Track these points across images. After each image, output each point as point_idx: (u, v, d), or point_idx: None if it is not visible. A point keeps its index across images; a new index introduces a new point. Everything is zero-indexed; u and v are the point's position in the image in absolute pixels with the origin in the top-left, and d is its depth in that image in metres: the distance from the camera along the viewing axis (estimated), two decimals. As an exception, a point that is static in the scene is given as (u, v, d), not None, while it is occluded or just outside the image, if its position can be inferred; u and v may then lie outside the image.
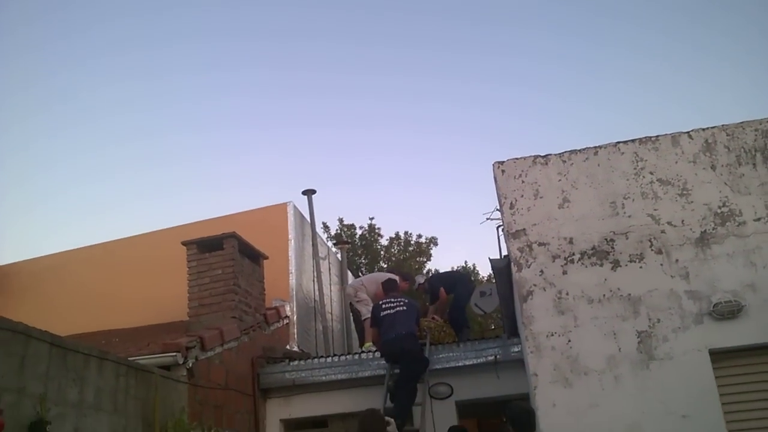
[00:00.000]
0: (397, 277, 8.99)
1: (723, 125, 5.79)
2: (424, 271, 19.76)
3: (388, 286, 8.21)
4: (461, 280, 10.09)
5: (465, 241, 35.81)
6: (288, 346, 9.08)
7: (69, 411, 4.67)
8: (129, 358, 5.73)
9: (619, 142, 5.93)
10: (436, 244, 20.78)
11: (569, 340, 5.41)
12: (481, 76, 34.56)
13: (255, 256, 8.55)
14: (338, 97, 35.83)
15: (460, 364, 7.63)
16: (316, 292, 10.53)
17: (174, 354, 6.22)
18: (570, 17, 32.60)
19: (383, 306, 7.66)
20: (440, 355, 7.74)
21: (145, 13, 30.49)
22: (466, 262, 21.58)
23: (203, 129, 34.70)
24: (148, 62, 31.95)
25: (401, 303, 7.61)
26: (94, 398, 4.96)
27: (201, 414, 6.44)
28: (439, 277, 10.13)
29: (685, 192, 5.65)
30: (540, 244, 5.75)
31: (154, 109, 34.56)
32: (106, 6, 29.71)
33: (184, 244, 8.11)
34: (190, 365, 6.42)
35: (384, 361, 7.62)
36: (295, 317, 9.56)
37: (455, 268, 20.50)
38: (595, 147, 5.96)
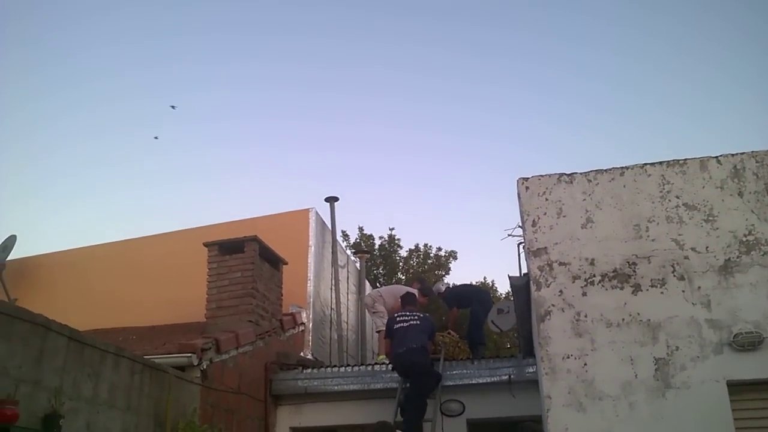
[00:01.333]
0: (416, 291, 8.97)
1: (753, 152, 5.68)
2: (445, 280, 19.56)
3: (407, 300, 8.19)
4: (478, 296, 9.97)
5: (485, 256, 35.55)
6: (302, 354, 9.08)
7: (83, 406, 4.71)
8: (144, 357, 5.78)
9: (646, 164, 5.86)
10: (455, 258, 20.64)
11: (585, 364, 5.33)
12: (514, 84, 34.39)
13: (275, 261, 8.57)
14: (370, 96, 35.91)
15: (473, 381, 7.56)
16: (333, 301, 10.53)
17: (189, 355, 6.25)
18: (612, 35, 32.37)
19: (397, 319, 7.65)
20: (453, 372, 7.68)
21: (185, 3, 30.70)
22: (485, 277, 21.36)
23: (228, 132, 34.92)
24: (172, 51, 32.18)
25: (415, 317, 7.60)
26: (108, 394, 5.00)
27: (212, 416, 6.45)
28: (454, 293, 10.01)
29: (710, 218, 5.56)
30: (561, 264, 5.69)
31: (178, 102, 34.55)
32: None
33: (205, 245, 8.16)
34: (205, 367, 6.45)
35: (397, 374, 7.59)
36: (310, 324, 9.56)
37: (474, 283, 20.37)
38: (622, 168, 5.89)
